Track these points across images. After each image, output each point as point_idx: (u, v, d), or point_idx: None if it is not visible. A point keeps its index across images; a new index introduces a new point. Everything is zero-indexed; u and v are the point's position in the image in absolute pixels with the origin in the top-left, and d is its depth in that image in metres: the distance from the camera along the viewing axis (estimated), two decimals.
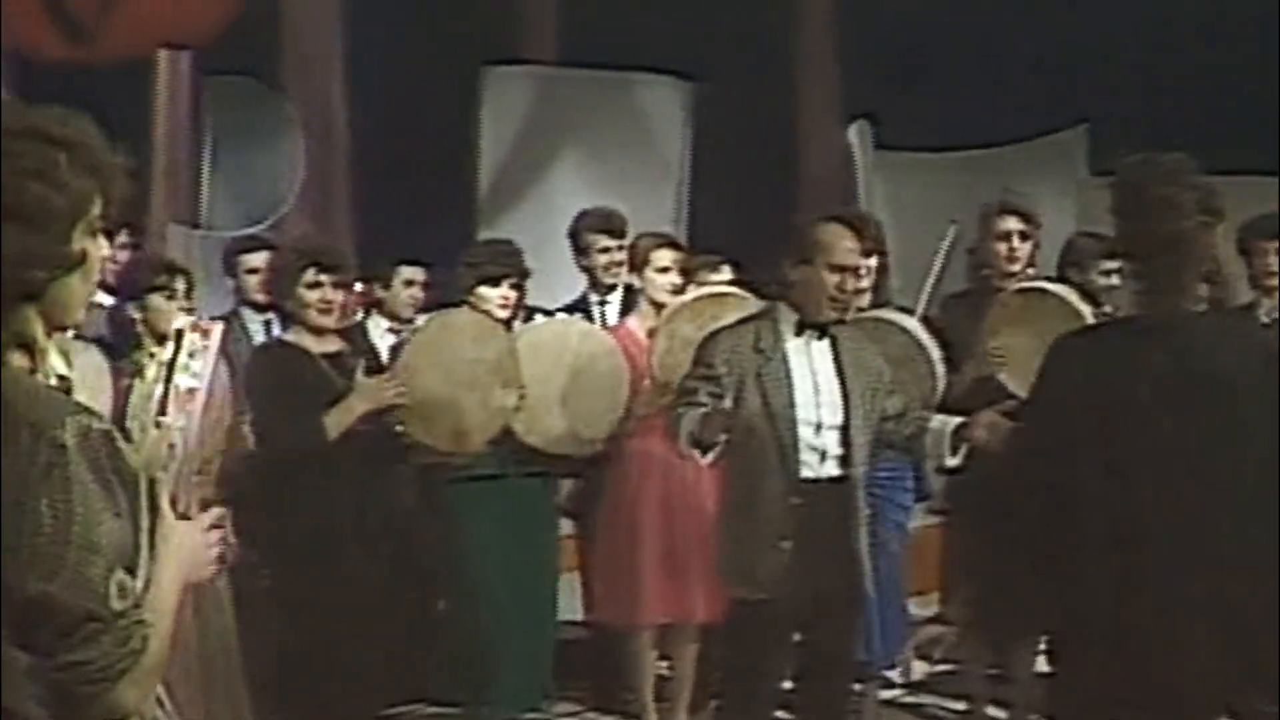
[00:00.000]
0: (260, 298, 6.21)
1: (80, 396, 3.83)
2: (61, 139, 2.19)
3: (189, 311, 4.87)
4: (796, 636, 4.72)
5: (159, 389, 2.59)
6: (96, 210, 2.25)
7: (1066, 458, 3.52)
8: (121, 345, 4.90)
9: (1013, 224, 5.85)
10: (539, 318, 6.11)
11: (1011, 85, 8.89)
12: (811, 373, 4.64)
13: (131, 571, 2.16)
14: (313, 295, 5.30)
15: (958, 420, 4.56)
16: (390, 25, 9.33)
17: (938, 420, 4.77)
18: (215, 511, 2.50)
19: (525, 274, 5.83)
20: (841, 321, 4.73)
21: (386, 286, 6.32)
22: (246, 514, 5.57)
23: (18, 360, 2.19)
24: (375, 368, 5.48)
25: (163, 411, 2.56)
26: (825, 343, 4.68)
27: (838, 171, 9.22)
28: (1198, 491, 3.37)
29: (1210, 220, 3.65)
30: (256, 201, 9.79)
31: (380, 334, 6.19)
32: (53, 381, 2.36)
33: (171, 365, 2.62)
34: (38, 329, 2.22)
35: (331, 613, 5.22)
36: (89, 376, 4.31)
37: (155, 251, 6.20)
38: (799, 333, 4.65)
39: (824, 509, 4.59)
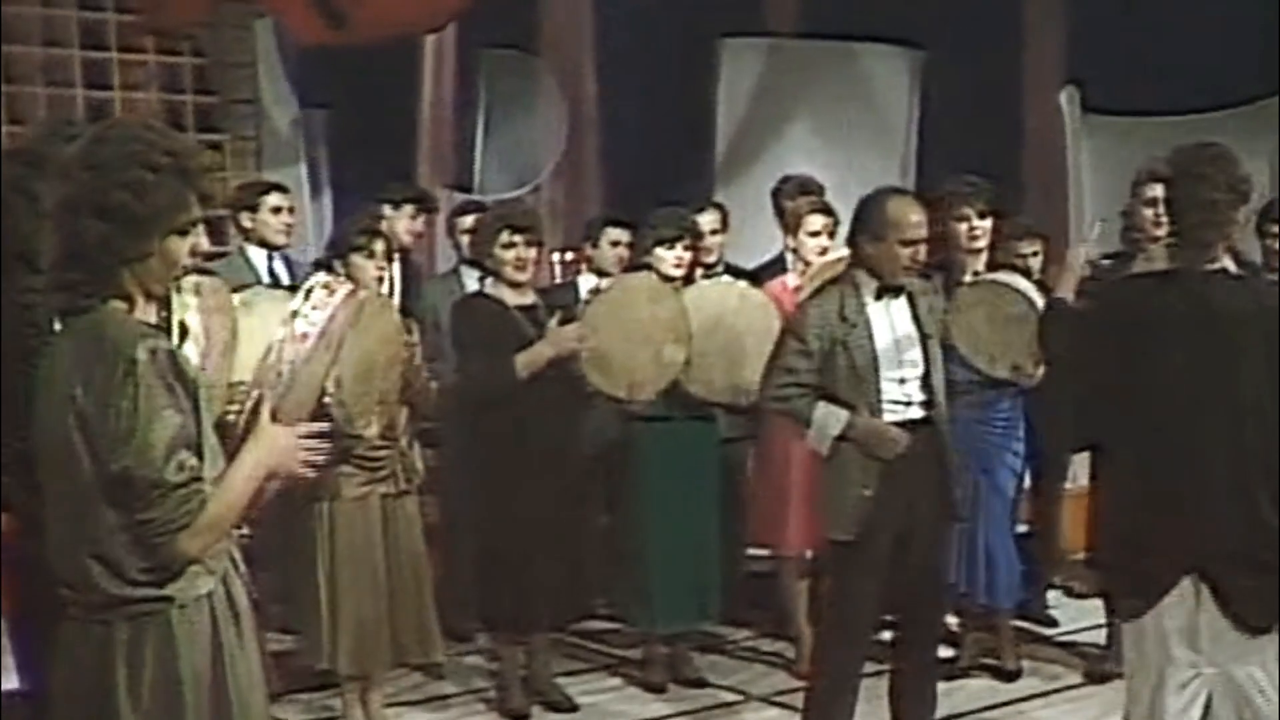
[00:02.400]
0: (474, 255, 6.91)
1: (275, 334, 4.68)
2: (156, 164, 2.97)
3: (384, 271, 5.69)
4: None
5: (280, 330, 3.33)
6: (184, 218, 3.01)
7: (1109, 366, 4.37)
8: None
9: (1160, 191, 6.13)
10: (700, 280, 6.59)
11: (1228, 51, 8.97)
12: (892, 330, 5.10)
13: (196, 452, 2.91)
14: (508, 254, 5.97)
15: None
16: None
17: None
18: (311, 426, 3.22)
19: (699, 236, 6.37)
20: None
21: (595, 245, 6.95)
22: (448, 444, 6.43)
23: (117, 304, 2.96)
24: (569, 319, 6.02)
25: (280, 350, 3.30)
26: (903, 299, 5.14)
27: (1059, 136, 9.51)
28: (1205, 397, 4.19)
29: (1236, 198, 4.30)
30: (523, 167, 10.59)
31: (589, 289, 6.81)
32: (175, 326, 3.16)
33: (296, 312, 3.34)
34: (134, 288, 2.99)
35: (520, 534, 5.92)
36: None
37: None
38: (879, 297, 5.11)
39: (915, 449, 5.05)
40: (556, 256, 7.85)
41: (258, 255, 6.44)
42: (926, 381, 5.12)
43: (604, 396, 6.11)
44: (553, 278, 7.96)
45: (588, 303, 6.19)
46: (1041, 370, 6.12)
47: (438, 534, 6.81)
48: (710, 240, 6.71)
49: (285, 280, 6.44)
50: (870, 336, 5.06)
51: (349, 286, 3.49)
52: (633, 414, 6.19)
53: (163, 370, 2.91)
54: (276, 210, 6.49)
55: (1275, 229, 6.41)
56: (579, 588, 6.39)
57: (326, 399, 5.15)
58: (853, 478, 5.04)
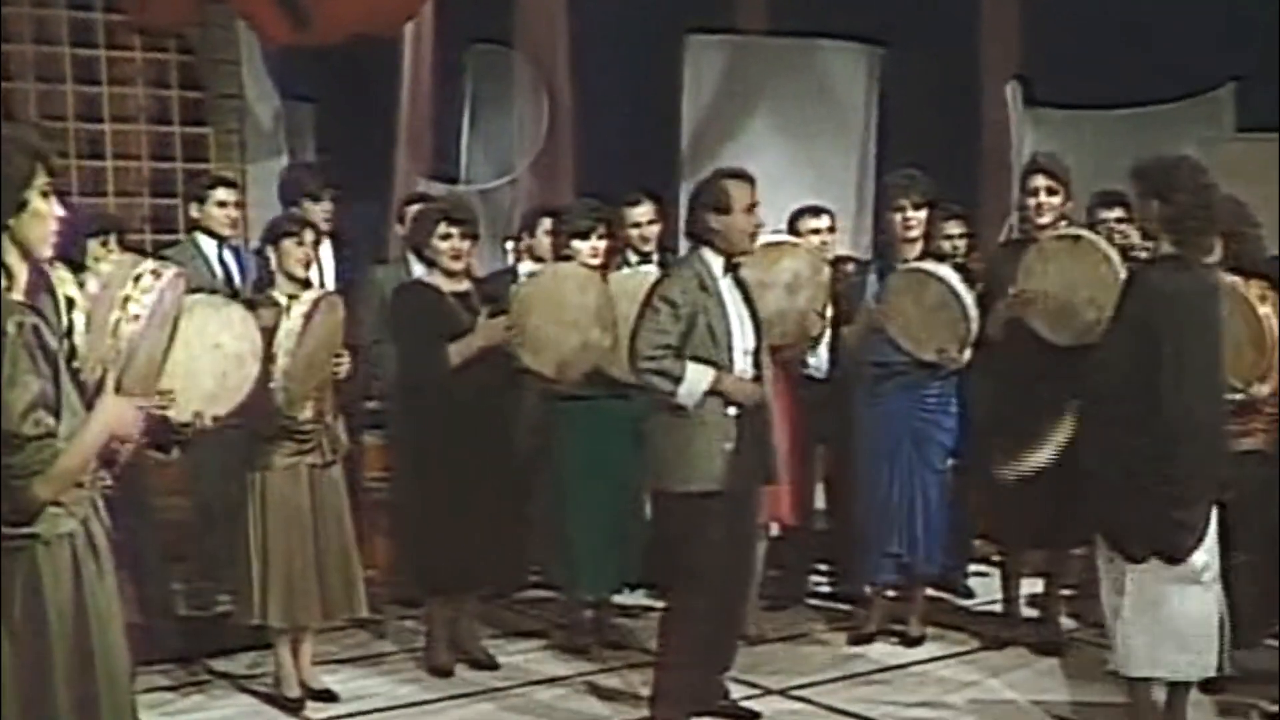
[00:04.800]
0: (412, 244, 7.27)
1: (226, 338, 5.16)
2: (7, 138, 3.42)
3: (309, 256, 6.12)
4: None
5: (116, 311, 3.73)
6: (40, 180, 3.51)
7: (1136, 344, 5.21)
8: (262, 281, 6.18)
9: (1040, 181, 6.55)
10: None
11: (1173, 45, 9.28)
12: (736, 304, 5.65)
13: (53, 412, 3.41)
14: (444, 245, 6.39)
15: None
16: None
17: None
18: (141, 399, 3.67)
19: (613, 226, 6.76)
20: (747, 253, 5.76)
21: (532, 234, 7.36)
22: (396, 425, 6.86)
23: None
24: (501, 309, 6.43)
25: (116, 329, 3.71)
26: (732, 279, 5.68)
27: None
28: (1206, 358, 5.24)
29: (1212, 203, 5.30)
30: (507, 159, 10.99)
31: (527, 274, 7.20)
32: (62, 301, 3.63)
33: (127, 298, 3.76)
34: (13, 257, 3.47)
35: (457, 508, 6.33)
36: (236, 324, 5.58)
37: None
38: (725, 272, 5.64)
39: (751, 415, 5.61)
40: (511, 245, 8.24)
41: (208, 244, 6.85)
42: (757, 357, 5.67)
43: (534, 376, 6.52)
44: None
45: (520, 287, 6.60)
46: (967, 354, 6.54)
47: (389, 511, 7.30)
48: (646, 230, 7.04)
49: (234, 268, 6.86)
50: (724, 306, 5.59)
51: (175, 270, 3.90)
52: (556, 394, 6.60)
53: (28, 341, 3.41)
54: (222, 204, 6.88)
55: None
56: (518, 559, 6.79)
57: (271, 384, 5.68)
58: (714, 434, 5.52)
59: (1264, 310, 5.72)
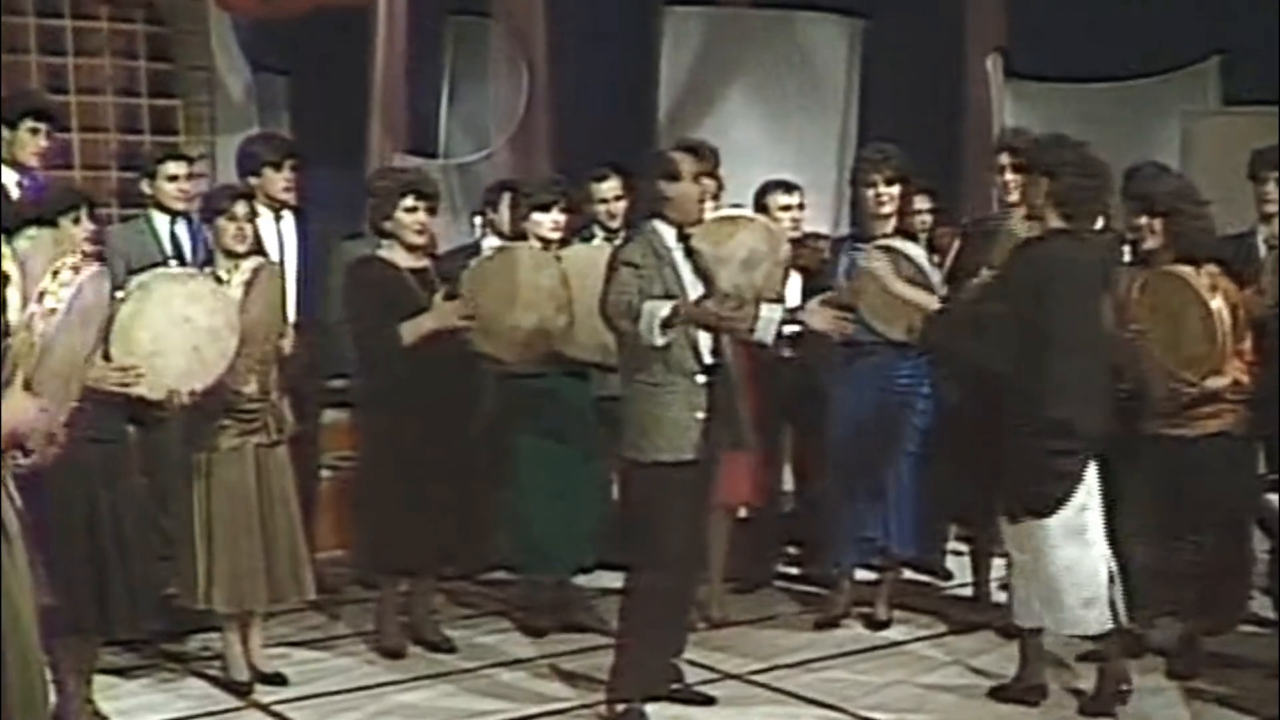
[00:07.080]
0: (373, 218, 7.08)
1: (196, 311, 5.12)
2: None
3: (244, 232, 5.96)
4: None
5: (33, 306, 3.60)
6: None
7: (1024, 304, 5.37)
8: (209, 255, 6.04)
9: (1005, 159, 6.40)
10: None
11: (1157, 18, 9.15)
12: (691, 278, 5.50)
13: None
14: (409, 219, 6.24)
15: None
16: None
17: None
18: (43, 400, 3.53)
19: (572, 200, 6.62)
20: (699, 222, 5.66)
21: (495, 209, 7.23)
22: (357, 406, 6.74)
23: None
24: (454, 293, 6.27)
25: (30, 322, 3.57)
26: (684, 250, 5.55)
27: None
28: (1092, 318, 5.49)
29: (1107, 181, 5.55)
30: (486, 131, 10.84)
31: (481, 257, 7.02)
32: None
33: (43, 292, 3.62)
34: None
35: (414, 487, 6.22)
36: (206, 297, 5.52)
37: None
38: (678, 242, 5.52)
39: (718, 386, 5.50)
40: (479, 220, 8.10)
41: (160, 220, 6.72)
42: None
43: (489, 359, 6.40)
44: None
45: (472, 270, 6.45)
46: None
47: (352, 490, 7.16)
48: (613, 206, 6.91)
49: (186, 244, 6.71)
50: (680, 278, 5.46)
51: (97, 267, 3.77)
52: (513, 372, 6.47)
53: None
54: (173, 178, 6.72)
55: None
56: (478, 540, 6.65)
57: None
58: (686, 403, 5.40)
59: (1215, 303, 5.58)
